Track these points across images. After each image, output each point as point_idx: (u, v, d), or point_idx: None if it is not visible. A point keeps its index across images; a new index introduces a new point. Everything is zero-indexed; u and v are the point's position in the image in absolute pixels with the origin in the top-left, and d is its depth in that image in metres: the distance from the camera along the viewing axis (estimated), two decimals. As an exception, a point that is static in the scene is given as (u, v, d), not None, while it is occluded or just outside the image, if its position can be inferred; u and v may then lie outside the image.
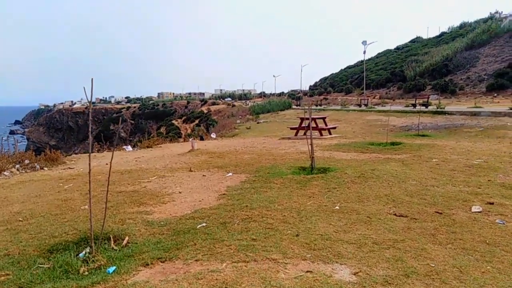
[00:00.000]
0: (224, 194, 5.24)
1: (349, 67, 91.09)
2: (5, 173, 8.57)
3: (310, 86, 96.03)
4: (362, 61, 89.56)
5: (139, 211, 4.51)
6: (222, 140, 14.82)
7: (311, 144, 6.65)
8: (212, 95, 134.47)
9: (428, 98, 24.01)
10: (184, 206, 4.73)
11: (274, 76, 77.14)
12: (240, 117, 40.04)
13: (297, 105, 45.44)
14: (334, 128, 13.76)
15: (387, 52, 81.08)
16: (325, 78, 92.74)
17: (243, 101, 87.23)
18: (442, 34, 74.74)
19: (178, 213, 4.40)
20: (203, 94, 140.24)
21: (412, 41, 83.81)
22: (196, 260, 2.90)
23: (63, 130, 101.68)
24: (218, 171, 7.16)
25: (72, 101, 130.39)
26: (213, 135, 17.37)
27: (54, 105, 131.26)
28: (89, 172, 3.23)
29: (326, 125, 13.59)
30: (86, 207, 4.88)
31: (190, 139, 15.86)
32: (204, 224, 3.78)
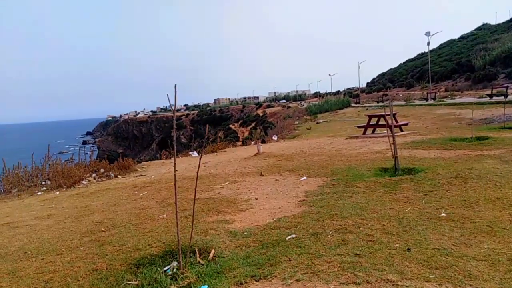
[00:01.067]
0: (304, 200, 4.86)
1: (409, 61, 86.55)
2: (83, 182, 8.94)
3: (368, 83, 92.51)
4: (423, 54, 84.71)
5: (219, 220, 4.27)
6: (285, 142, 14.46)
7: (394, 143, 6.04)
8: (267, 98, 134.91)
9: (507, 87, 21.74)
10: (264, 214, 4.42)
11: (329, 75, 75.45)
12: (297, 118, 39.45)
13: (356, 103, 43.81)
14: (406, 124, 12.81)
15: (451, 42, 75.79)
16: (383, 74, 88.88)
17: (298, 102, 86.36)
18: (514, 18, 68.27)
19: (260, 222, 4.09)
20: (258, 97, 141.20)
21: (479, 28, 77.56)
22: (297, 280, 2.55)
23: (129, 139, 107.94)
24: (290, 174, 6.80)
25: (136, 111, 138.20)
26: (274, 137, 17.08)
27: (120, 116, 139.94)
28: (175, 184, 3.02)
29: (397, 122, 12.67)
30: (165, 215, 4.76)
31: (253, 143, 15.72)
32: (293, 236, 3.42)
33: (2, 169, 9.53)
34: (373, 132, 13.05)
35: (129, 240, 3.89)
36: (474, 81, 42.80)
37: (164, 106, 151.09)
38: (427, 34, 32.67)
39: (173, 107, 2.89)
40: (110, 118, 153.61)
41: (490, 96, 21.63)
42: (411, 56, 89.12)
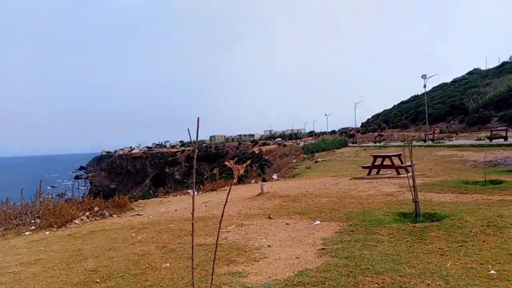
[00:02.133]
0: (323, 249, 4.38)
1: (403, 103, 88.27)
2: (75, 221, 8.36)
3: (363, 123, 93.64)
4: (416, 96, 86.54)
5: (232, 272, 3.77)
6: (287, 181, 14.02)
7: (414, 186, 5.65)
8: (262, 136, 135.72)
9: (506, 130, 21.78)
10: (282, 266, 3.92)
11: (325, 114, 76.14)
12: (294, 156, 39.20)
13: (353, 143, 43.87)
14: (411, 166, 12.44)
15: (443, 86, 77.78)
16: (378, 115, 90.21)
17: (294, 141, 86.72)
18: (504, 64, 70.55)
19: (278, 276, 3.60)
20: (253, 135, 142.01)
21: (470, 73, 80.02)
22: None
23: (123, 174, 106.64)
24: (301, 218, 6.32)
25: (131, 147, 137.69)
26: (274, 176, 16.65)
27: (115, 151, 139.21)
28: (192, 226, 2.56)
29: (403, 163, 12.36)
30: (168, 265, 4.24)
31: (253, 181, 15.25)
32: (324, 296, 2.93)
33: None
34: (377, 173, 12.69)
35: (129, 296, 3.36)
36: (468, 124, 43.31)
37: (159, 142, 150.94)
38: (423, 76, 33.30)
39: (194, 143, 2.51)
40: (105, 153, 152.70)
41: (490, 138, 21.60)
42: (405, 98, 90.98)
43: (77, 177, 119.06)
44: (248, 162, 66.90)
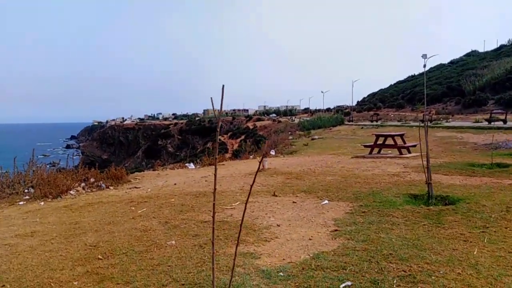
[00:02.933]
0: (336, 230, 4.18)
1: (399, 82, 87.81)
2: (71, 192, 8.09)
3: (358, 101, 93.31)
4: (413, 76, 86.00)
5: (243, 253, 3.56)
6: (285, 158, 13.82)
7: (428, 167, 5.45)
8: (256, 111, 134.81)
9: (506, 113, 21.68)
10: (295, 247, 3.72)
11: (322, 91, 75.20)
12: (289, 133, 38.94)
13: (349, 121, 43.70)
14: (414, 146, 12.32)
15: (441, 67, 77.26)
16: (374, 94, 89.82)
17: (289, 117, 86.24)
18: (502, 47, 70.03)
19: (293, 258, 3.40)
20: (247, 110, 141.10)
21: (467, 54, 79.48)
22: None
23: (115, 145, 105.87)
24: (308, 196, 6.12)
25: (123, 118, 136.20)
26: (272, 152, 16.44)
27: (107, 121, 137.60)
28: (213, 213, 2.29)
29: (405, 143, 12.19)
30: (174, 242, 4.02)
31: (251, 157, 15.04)
32: (349, 284, 2.73)
33: (-20, 173, 8.62)
34: (379, 152, 12.53)
35: (135, 276, 3.13)
36: (464, 106, 43.30)
37: (152, 114, 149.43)
38: (424, 56, 32.86)
39: (217, 111, 2.22)
40: (96, 124, 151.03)
41: (489, 121, 21.52)
42: (402, 78, 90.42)
43: (68, 146, 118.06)
44: (242, 137, 66.61)
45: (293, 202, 5.75)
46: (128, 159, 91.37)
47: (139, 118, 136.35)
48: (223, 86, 2.33)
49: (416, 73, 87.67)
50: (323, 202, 5.57)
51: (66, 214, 5.89)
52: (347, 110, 70.23)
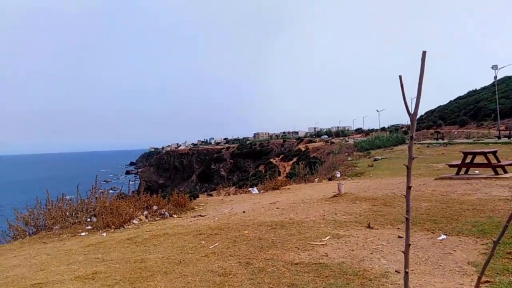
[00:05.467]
0: (488, 282, 3.02)
1: (460, 98, 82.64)
2: (134, 221, 7.53)
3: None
4: (474, 91, 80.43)
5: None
6: (356, 181, 12.55)
7: None
8: (306, 133, 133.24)
9: None
10: (440, 308, 2.63)
11: (377, 110, 72.51)
12: (346, 154, 37.21)
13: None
14: (511, 164, 10.58)
15: (506, 79, 71.59)
16: (432, 111, 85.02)
17: (341, 138, 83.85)
18: None
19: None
20: (297, 132, 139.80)
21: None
22: None
23: (170, 170, 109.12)
24: (413, 229, 4.95)
25: (177, 143, 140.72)
26: (337, 174, 15.20)
27: (163, 148, 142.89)
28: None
29: (499, 161, 10.49)
30: (267, 295, 3.09)
31: (316, 180, 13.93)
32: None
33: (45, 201, 8.38)
34: (466, 172, 10.89)
35: None
36: (538, 120, 39.13)
37: (205, 139, 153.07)
38: (494, 67, 30.11)
39: (412, 107, 1.32)
40: (153, 150, 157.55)
41: None
42: (462, 93, 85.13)
43: (127, 172, 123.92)
44: (295, 159, 65.42)
45: (399, 236, 4.62)
46: (183, 183, 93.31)
47: (192, 144, 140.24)
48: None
49: (478, 88, 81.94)
50: (440, 238, 4.39)
51: (130, 249, 5.22)
52: (403, 129, 66.69)
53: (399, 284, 3.14)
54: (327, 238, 4.76)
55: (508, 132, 26.94)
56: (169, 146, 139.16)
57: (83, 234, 6.87)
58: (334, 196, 8.22)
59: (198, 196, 15.07)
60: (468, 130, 46.43)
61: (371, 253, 4.02)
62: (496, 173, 10.05)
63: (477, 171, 11.15)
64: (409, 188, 1.46)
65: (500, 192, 7.42)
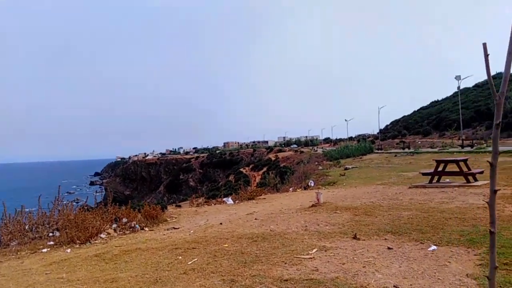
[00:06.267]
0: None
1: (423, 108, 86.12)
2: (101, 235, 6.98)
3: (381, 129, 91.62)
4: (436, 102, 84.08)
5: None
6: (331, 190, 12.46)
7: None
8: (276, 142, 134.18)
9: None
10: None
11: (346, 120, 74.05)
12: (316, 163, 37.52)
13: (378, 149, 42.01)
14: (481, 172, 10.83)
15: (466, 91, 75.39)
16: (397, 121, 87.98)
17: (310, 147, 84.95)
18: (531, 67, 67.85)
19: None
20: (267, 142, 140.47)
21: (493, 77, 77.32)
22: None
23: (137, 180, 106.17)
24: (400, 239, 4.80)
25: (145, 153, 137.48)
26: (311, 183, 15.10)
27: (129, 157, 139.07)
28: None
29: (469, 169, 10.71)
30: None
31: (291, 189, 13.74)
32: None
33: (2, 214, 7.65)
34: (438, 181, 11.06)
35: None
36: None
37: (173, 148, 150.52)
38: (457, 77, 31.49)
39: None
40: (119, 159, 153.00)
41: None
42: (424, 103, 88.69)
43: (92, 183, 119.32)
44: (265, 169, 65.43)
45: (388, 248, 4.43)
46: (150, 194, 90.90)
47: (160, 153, 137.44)
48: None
49: (440, 98, 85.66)
50: (431, 248, 4.24)
51: (99, 267, 4.74)
52: (370, 139, 68.49)
53: (400, 301, 2.91)
54: (314, 250, 4.51)
55: (470, 141, 28.04)
56: (136, 155, 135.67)
57: (44, 250, 6.26)
58: (313, 205, 8.03)
59: (166, 208, 14.49)
60: (432, 140, 48.22)
61: (364, 267, 3.79)
62: (468, 181, 10.25)
63: (448, 179, 11.36)
64: (494, 192, 1.22)
65: (475, 200, 7.48)
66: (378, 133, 71.40)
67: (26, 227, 7.58)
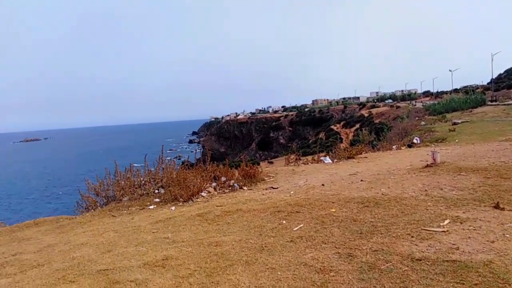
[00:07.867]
0: None
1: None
2: (202, 193, 7.00)
3: (492, 79, 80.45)
4: None
5: None
6: (441, 147, 10.99)
7: None
8: (368, 98, 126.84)
9: None
10: None
11: (450, 70, 66.14)
12: (417, 118, 34.38)
13: (492, 101, 36.80)
14: None
15: None
16: None
17: (408, 102, 78.41)
18: None
19: None
20: (358, 98, 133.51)
21: None
22: None
23: (230, 139, 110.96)
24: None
25: (236, 113, 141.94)
26: (416, 141, 13.61)
27: (222, 117, 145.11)
28: None
29: None
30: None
31: (394, 147, 12.55)
32: None
33: (114, 171, 8.17)
34: None
35: None
36: None
37: (262, 108, 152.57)
38: None
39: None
40: (213, 119, 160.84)
41: None
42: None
43: (190, 141, 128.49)
44: (357, 125, 62.67)
45: (551, 223, 3.45)
46: (243, 151, 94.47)
47: (251, 113, 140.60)
48: None
49: None
50: None
51: (202, 228, 4.61)
52: (479, 90, 60.34)
53: None
54: (446, 222, 3.72)
55: None
56: (228, 115, 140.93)
57: (151, 207, 6.48)
58: (428, 166, 7.00)
59: (259, 164, 14.49)
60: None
61: (522, 247, 2.94)
62: None
63: None
64: None
65: None
66: (489, 83, 62.52)
67: (135, 184, 8.01)
